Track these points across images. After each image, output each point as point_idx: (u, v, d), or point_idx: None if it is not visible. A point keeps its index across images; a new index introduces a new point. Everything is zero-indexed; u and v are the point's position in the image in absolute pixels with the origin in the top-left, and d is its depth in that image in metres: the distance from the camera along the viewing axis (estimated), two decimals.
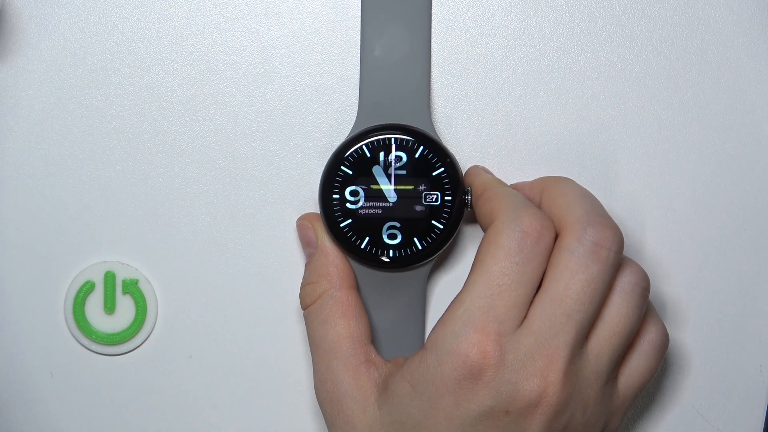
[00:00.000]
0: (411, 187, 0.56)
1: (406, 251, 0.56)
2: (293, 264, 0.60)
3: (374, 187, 0.56)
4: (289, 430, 0.61)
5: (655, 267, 0.60)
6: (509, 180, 0.59)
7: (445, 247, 0.57)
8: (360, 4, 0.58)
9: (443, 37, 0.59)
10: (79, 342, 0.60)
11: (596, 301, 0.50)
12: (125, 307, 0.60)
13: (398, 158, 0.56)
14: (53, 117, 0.59)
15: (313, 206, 0.59)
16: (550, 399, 0.49)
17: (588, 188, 0.59)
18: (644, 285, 0.52)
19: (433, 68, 0.59)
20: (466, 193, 0.56)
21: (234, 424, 0.61)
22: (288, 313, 0.60)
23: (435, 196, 0.56)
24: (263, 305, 0.60)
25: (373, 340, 0.57)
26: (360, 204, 0.56)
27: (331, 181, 0.56)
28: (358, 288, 0.56)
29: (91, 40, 0.59)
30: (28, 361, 0.60)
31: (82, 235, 0.60)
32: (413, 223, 0.56)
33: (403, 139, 0.56)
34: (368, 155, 0.56)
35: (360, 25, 0.58)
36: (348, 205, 0.56)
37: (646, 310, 0.53)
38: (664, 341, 0.54)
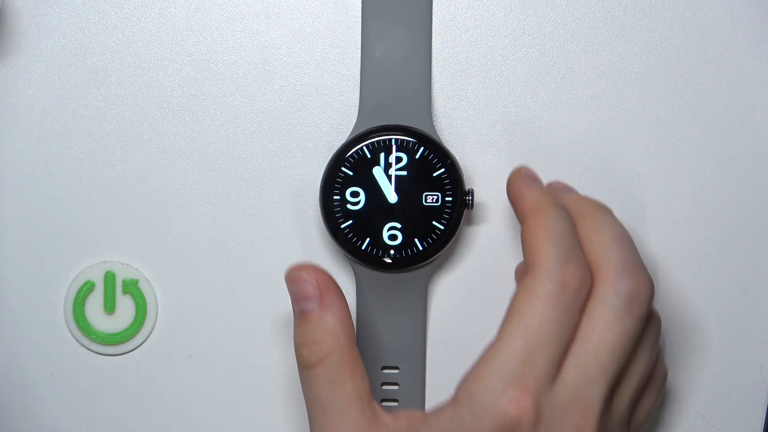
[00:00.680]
0: (412, 187, 0.56)
1: (407, 252, 0.56)
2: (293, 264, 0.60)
3: (375, 187, 0.56)
4: (289, 430, 0.61)
5: (655, 267, 0.60)
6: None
7: (446, 248, 0.57)
8: (360, 5, 0.58)
9: (443, 37, 0.59)
10: (79, 342, 0.60)
11: (628, 353, 0.50)
12: (125, 307, 0.60)
13: (399, 159, 0.56)
14: (53, 117, 0.59)
15: (314, 206, 0.59)
16: None
17: (588, 188, 0.59)
18: (660, 328, 0.53)
19: (434, 68, 0.59)
20: (467, 194, 0.56)
21: (234, 424, 0.61)
22: (288, 313, 0.60)
23: (436, 197, 0.56)
24: (263, 305, 0.60)
25: (374, 342, 0.57)
26: (361, 205, 0.56)
27: (332, 181, 0.56)
28: None
29: (91, 40, 0.59)
30: (28, 361, 0.60)
31: (82, 235, 0.60)
32: (414, 224, 0.56)
33: (404, 140, 0.56)
34: (369, 156, 0.56)
35: (360, 26, 0.58)
36: (349, 206, 0.56)
37: None
38: (666, 375, 0.56)
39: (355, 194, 0.56)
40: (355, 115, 0.58)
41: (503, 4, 0.59)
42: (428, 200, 0.56)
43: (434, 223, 0.56)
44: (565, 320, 0.49)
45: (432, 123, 0.58)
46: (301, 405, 0.61)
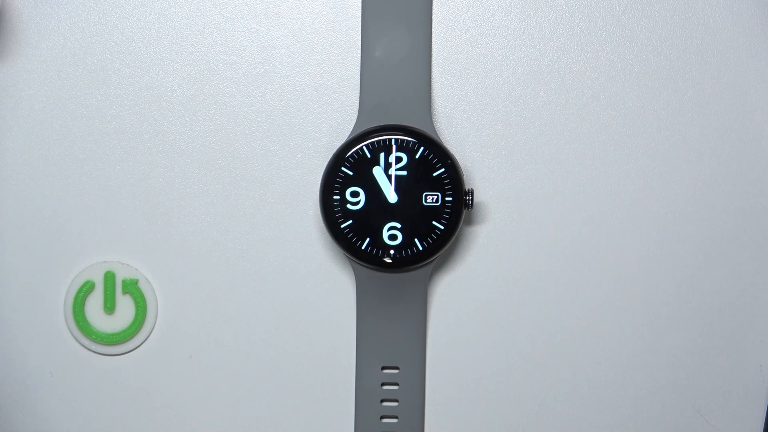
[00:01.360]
0: (411, 187, 0.56)
1: (407, 252, 0.56)
2: (293, 264, 0.60)
3: (375, 187, 0.56)
4: (289, 430, 0.61)
5: (655, 267, 0.60)
6: (510, 180, 0.59)
7: (446, 248, 0.57)
8: (360, 5, 0.58)
9: (443, 37, 0.59)
10: (79, 342, 0.60)
11: None
12: (125, 307, 0.60)
13: (399, 159, 0.56)
14: (53, 117, 0.59)
15: (314, 206, 0.59)
16: None
17: (588, 188, 0.59)
18: None
19: (434, 68, 0.59)
20: (467, 194, 0.56)
21: (234, 424, 0.61)
22: (288, 313, 0.60)
23: (435, 197, 0.56)
24: (263, 305, 0.60)
25: (374, 342, 0.57)
26: (361, 205, 0.56)
27: (332, 181, 0.56)
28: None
29: (91, 40, 0.59)
30: (28, 361, 0.60)
31: (82, 235, 0.60)
32: (414, 224, 0.56)
33: (404, 140, 0.56)
34: (369, 156, 0.56)
35: (360, 26, 0.58)
36: (348, 206, 0.56)
37: None
38: None
39: (355, 194, 0.56)
40: (355, 115, 0.58)
41: (503, 4, 0.59)
42: (428, 200, 0.56)
43: (434, 223, 0.56)
44: None
45: (432, 123, 0.58)
46: (301, 405, 0.61)
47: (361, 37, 0.58)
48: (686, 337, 0.61)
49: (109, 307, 0.60)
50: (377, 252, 0.56)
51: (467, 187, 0.57)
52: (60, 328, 0.60)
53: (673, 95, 0.60)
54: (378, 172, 0.56)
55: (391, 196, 0.56)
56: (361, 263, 0.57)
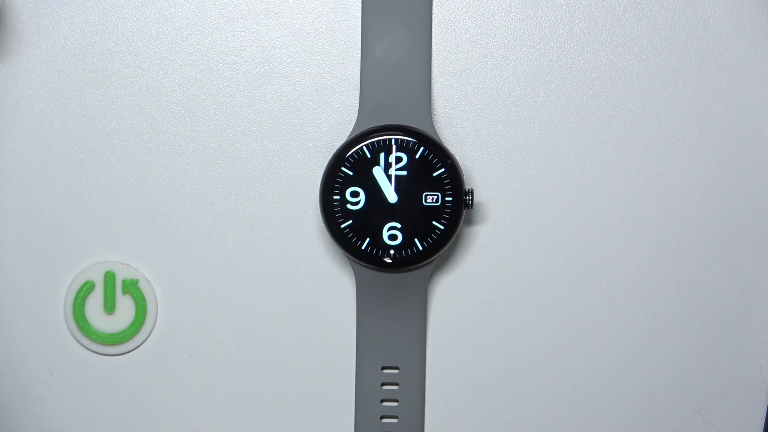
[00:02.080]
0: (411, 187, 0.56)
1: (407, 252, 0.56)
2: (293, 264, 0.60)
3: (375, 187, 0.56)
4: (289, 429, 0.61)
5: (655, 267, 0.60)
6: (510, 180, 0.59)
7: (446, 248, 0.57)
8: (360, 5, 0.58)
9: (443, 37, 0.59)
10: (79, 342, 0.60)
11: None
12: (125, 307, 0.60)
13: (399, 159, 0.56)
14: (53, 117, 0.59)
15: (314, 206, 0.59)
16: None
17: (588, 188, 0.59)
18: None
19: (434, 68, 0.59)
20: (467, 194, 0.56)
21: (234, 423, 0.61)
22: (288, 313, 0.60)
23: (435, 197, 0.56)
24: (263, 305, 0.60)
25: (374, 342, 0.57)
26: (361, 205, 0.56)
27: (332, 181, 0.56)
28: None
29: (91, 40, 0.59)
30: (28, 361, 0.60)
31: (82, 235, 0.60)
32: (414, 224, 0.56)
33: (404, 140, 0.56)
34: (369, 156, 0.56)
35: (360, 26, 0.58)
36: (348, 206, 0.56)
37: None
38: None
39: (355, 194, 0.56)
40: (355, 115, 0.58)
41: (503, 4, 0.59)
42: (428, 200, 0.56)
43: (434, 223, 0.56)
44: None
45: (432, 123, 0.58)
46: (301, 405, 0.61)
47: (361, 37, 0.58)
48: (686, 337, 0.61)
49: (109, 307, 0.60)
50: (377, 252, 0.56)
51: (467, 187, 0.57)
52: (60, 328, 0.60)
53: (673, 95, 0.60)
54: (378, 172, 0.56)
55: (392, 196, 0.56)
56: (362, 263, 0.57)
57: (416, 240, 0.56)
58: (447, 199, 0.56)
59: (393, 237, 0.56)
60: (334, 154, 0.57)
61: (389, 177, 0.56)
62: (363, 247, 0.56)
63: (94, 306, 0.60)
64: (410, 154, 0.56)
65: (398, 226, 0.56)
